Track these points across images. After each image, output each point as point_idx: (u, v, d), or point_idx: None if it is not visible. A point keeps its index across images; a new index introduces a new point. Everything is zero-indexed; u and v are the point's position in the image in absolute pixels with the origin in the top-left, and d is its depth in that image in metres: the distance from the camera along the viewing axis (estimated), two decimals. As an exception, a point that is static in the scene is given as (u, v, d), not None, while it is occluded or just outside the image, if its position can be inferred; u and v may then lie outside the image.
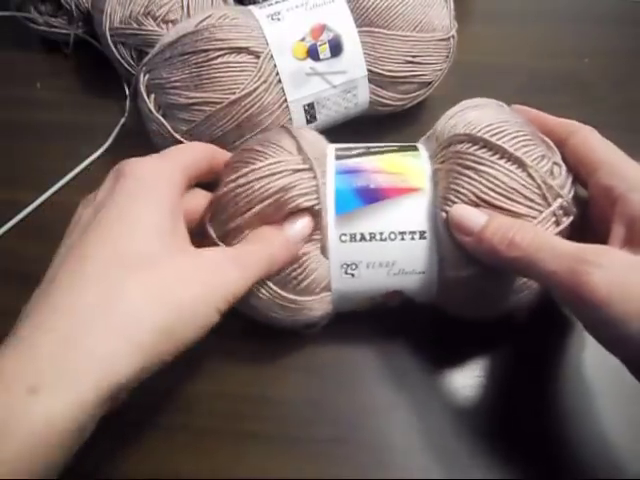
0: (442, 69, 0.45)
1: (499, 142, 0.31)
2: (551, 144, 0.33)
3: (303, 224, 0.32)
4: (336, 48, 0.40)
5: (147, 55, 0.41)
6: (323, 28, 0.40)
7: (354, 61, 0.41)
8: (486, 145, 0.31)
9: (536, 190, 0.31)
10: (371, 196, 0.33)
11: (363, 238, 0.33)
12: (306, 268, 0.33)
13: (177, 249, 0.29)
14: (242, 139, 0.40)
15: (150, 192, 0.29)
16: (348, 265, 0.33)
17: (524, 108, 0.36)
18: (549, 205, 0.31)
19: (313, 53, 0.40)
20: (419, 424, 0.35)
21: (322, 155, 0.34)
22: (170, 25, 0.46)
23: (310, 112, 0.42)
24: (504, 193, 0.31)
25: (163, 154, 0.32)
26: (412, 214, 0.33)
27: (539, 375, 0.37)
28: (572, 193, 0.32)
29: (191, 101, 0.39)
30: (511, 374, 0.37)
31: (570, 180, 0.32)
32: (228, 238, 0.32)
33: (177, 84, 0.39)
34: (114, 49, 0.47)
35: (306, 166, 0.33)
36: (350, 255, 0.33)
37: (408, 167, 0.34)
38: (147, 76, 0.40)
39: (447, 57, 0.45)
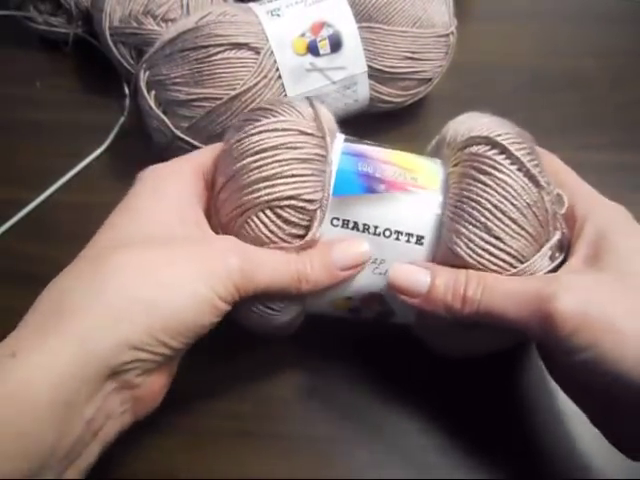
0: (442, 65, 0.45)
1: (517, 153, 0.29)
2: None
3: (357, 250, 0.30)
4: (336, 44, 0.40)
5: (147, 54, 0.41)
6: (323, 24, 0.40)
7: (354, 57, 0.41)
8: (504, 152, 0.29)
9: (544, 214, 0.29)
10: (374, 185, 0.30)
11: (356, 227, 0.30)
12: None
13: (182, 234, 0.29)
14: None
15: (158, 187, 0.30)
16: None
17: None
18: (548, 237, 0.29)
19: (313, 49, 0.40)
20: (417, 424, 0.35)
21: (333, 132, 0.32)
22: (170, 24, 0.46)
23: (310, 108, 0.41)
24: (519, 206, 0.28)
25: (180, 157, 0.33)
26: (414, 215, 0.30)
27: (526, 377, 0.37)
28: (565, 230, 0.30)
29: (191, 97, 0.39)
30: (498, 375, 0.36)
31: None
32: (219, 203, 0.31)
33: (177, 80, 0.39)
34: (114, 48, 0.47)
35: (318, 134, 0.30)
36: None
37: (421, 166, 0.32)
38: (147, 73, 0.40)
39: (446, 53, 0.45)
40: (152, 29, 0.45)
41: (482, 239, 0.28)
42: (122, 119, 0.49)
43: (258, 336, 0.34)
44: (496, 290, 0.27)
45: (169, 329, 0.26)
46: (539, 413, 0.35)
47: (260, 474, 0.33)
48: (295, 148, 0.29)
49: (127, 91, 0.50)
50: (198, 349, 0.31)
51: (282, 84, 0.40)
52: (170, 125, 0.40)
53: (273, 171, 0.29)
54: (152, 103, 0.40)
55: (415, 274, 0.29)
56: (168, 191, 0.30)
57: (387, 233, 0.30)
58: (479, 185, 0.29)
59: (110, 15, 0.46)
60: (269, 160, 0.29)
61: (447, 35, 0.44)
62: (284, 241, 0.29)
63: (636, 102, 0.51)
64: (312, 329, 0.35)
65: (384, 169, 0.31)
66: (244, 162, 0.29)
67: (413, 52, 0.42)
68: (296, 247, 0.30)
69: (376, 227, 0.30)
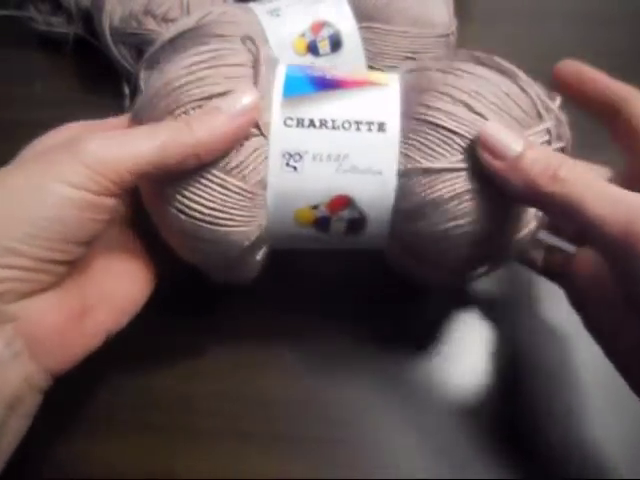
0: (442, 66, 0.45)
1: (484, 57, 0.30)
2: None
3: (244, 97, 0.28)
4: (336, 44, 0.41)
5: (147, 54, 0.41)
6: (323, 24, 0.40)
7: (354, 57, 0.41)
8: (479, 62, 0.30)
9: (527, 103, 0.29)
10: (325, 83, 0.30)
11: (312, 124, 0.29)
12: (242, 147, 0.28)
13: None
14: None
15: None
16: (291, 155, 0.29)
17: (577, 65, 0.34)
18: (540, 122, 0.29)
19: (313, 49, 0.40)
20: (415, 423, 0.35)
21: (274, 60, 0.31)
22: (170, 24, 0.46)
23: (310, 108, 0.41)
24: (497, 93, 0.28)
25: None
26: (372, 104, 0.29)
27: (533, 374, 0.37)
28: (566, 124, 0.30)
29: (191, 97, 0.39)
30: (505, 372, 0.37)
31: (564, 116, 0.30)
32: None
33: (177, 80, 0.39)
34: (114, 48, 0.47)
35: (249, 46, 0.30)
36: (295, 143, 0.29)
37: (372, 72, 0.33)
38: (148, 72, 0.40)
39: (446, 54, 0.45)
40: (152, 29, 0.45)
41: (465, 114, 0.28)
42: (122, 119, 0.49)
43: (220, 284, 0.33)
44: (589, 179, 0.25)
45: (14, 232, 0.24)
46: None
47: (260, 474, 0.33)
48: (225, 57, 0.29)
49: (127, 91, 0.50)
50: (198, 349, 0.31)
51: (282, 84, 0.40)
52: (170, 125, 0.39)
53: (205, 73, 0.28)
54: (152, 103, 0.40)
55: (510, 136, 0.27)
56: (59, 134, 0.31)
57: (346, 125, 0.29)
58: (454, 75, 0.29)
59: (110, 15, 0.46)
60: (201, 66, 0.28)
61: (447, 35, 0.44)
62: None
63: (636, 102, 0.51)
64: (310, 325, 0.36)
65: (334, 73, 0.31)
66: (177, 72, 0.29)
67: (413, 52, 0.42)
68: None
69: (334, 121, 0.29)
